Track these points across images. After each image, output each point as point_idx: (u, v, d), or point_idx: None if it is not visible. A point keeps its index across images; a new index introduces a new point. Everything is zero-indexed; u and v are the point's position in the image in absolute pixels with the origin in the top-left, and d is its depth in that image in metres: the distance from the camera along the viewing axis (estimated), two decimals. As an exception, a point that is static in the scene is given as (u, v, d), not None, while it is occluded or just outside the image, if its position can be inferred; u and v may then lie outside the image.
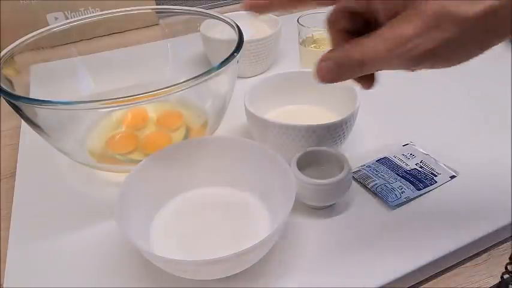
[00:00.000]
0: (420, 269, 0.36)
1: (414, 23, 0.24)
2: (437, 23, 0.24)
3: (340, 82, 0.29)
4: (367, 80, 0.31)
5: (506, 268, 0.34)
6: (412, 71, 0.27)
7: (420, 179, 0.44)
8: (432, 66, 0.26)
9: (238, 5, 0.98)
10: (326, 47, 0.59)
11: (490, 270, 0.38)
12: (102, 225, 0.41)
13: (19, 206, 0.45)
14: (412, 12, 0.24)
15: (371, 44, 0.26)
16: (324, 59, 0.28)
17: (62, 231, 0.41)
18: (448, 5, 0.23)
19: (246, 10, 0.31)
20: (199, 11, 0.54)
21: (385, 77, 0.32)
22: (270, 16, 0.68)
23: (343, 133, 0.44)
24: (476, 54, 0.26)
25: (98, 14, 0.55)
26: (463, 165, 0.45)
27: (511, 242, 0.36)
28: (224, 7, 0.97)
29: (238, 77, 0.52)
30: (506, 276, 0.34)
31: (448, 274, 0.38)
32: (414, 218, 0.40)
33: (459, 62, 0.26)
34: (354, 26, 0.30)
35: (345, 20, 0.30)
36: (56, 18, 0.80)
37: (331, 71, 0.28)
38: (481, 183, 0.44)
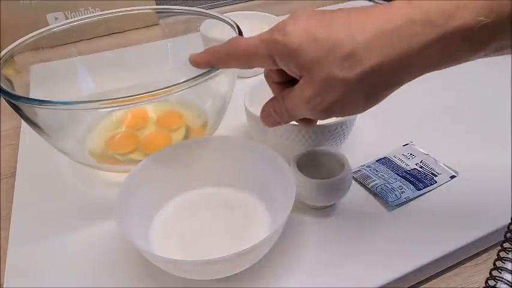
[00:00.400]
0: (420, 269, 0.36)
1: (310, 88, 0.29)
2: (326, 86, 0.28)
3: None
4: (308, 121, 0.36)
5: (490, 273, 0.35)
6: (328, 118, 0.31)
7: (420, 179, 0.44)
8: (341, 115, 0.31)
9: (239, 5, 0.98)
10: None
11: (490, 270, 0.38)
12: (102, 225, 0.41)
13: (19, 206, 0.45)
14: (308, 79, 0.29)
15: (291, 100, 0.31)
16: (265, 109, 0.35)
17: (61, 231, 0.41)
18: (332, 71, 0.27)
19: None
20: (199, 11, 0.54)
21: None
22: (269, 16, 0.68)
23: (343, 133, 0.44)
24: (370, 105, 0.30)
25: (98, 14, 0.55)
26: (463, 165, 0.45)
27: (499, 245, 0.36)
28: (224, 7, 0.97)
29: (238, 77, 0.52)
30: (490, 281, 0.34)
31: (448, 274, 0.38)
32: (414, 218, 0.40)
33: (358, 112, 0.31)
34: (283, 78, 0.33)
35: (276, 75, 0.34)
36: (56, 18, 0.80)
37: (272, 119, 0.34)
38: (481, 183, 0.44)
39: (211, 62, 0.34)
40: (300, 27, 0.28)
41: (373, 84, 0.28)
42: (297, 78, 0.30)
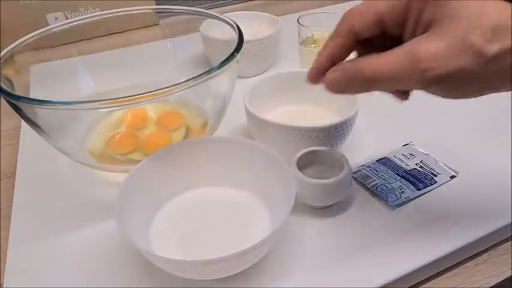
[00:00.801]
0: (420, 269, 0.36)
1: (436, 43, 0.24)
2: (459, 49, 0.24)
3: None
4: (402, 93, 0.30)
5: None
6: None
7: (420, 179, 0.44)
8: (444, 94, 0.26)
9: (239, 5, 0.98)
10: None
11: (490, 270, 0.38)
12: (102, 225, 0.41)
13: (19, 206, 0.45)
14: (437, 31, 0.24)
15: (383, 62, 0.25)
16: (335, 69, 0.28)
17: (61, 231, 0.41)
18: (472, 36, 0.23)
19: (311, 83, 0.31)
20: (199, 11, 0.54)
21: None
22: (269, 16, 0.68)
23: (343, 134, 0.44)
24: (487, 92, 0.26)
25: (98, 14, 0.55)
26: (463, 166, 0.45)
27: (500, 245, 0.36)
28: (224, 7, 0.97)
29: (238, 77, 0.52)
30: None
31: (448, 274, 0.38)
32: (414, 218, 0.40)
33: (470, 96, 0.26)
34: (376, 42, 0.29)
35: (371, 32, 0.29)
36: (56, 18, 0.80)
37: (339, 84, 0.28)
38: (481, 183, 0.44)
39: (329, 55, 0.29)
40: None
41: (503, 67, 0.24)
42: (411, 29, 0.26)
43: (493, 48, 0.23)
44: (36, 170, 0.50)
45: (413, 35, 0.26)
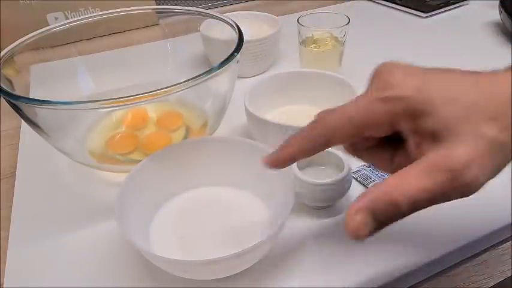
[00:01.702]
0: (420, 269, 0.36)
1: (463, 150, 0.22)
2: (488, 149, 0.23)
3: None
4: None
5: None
6: None
7: (420, 179, 0.44)
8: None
9: (239, 5, 0.98)
10: (326, 47, 0.59)
11: (490, 270, 0.38)
12: (102, 225, 0.41)
13: (19, 206, 0.45)
14: (452, 138, 0.23)
15: (415, 185, 0.23)
16: (357, 209, 0.23)
17: (62, 231, 0.41)
18: (485, 130, 0.22)
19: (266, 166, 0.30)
20: (200, 11, 0.54)
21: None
22: (269, 16, 0.68)
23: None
24: None
25: (98, 14, 0.55)
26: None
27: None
28: (224, 7, 0.97)
29: (238, 77, 0.52)
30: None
31: (448, 274, 0.38)
32: (414, 218, 0.40)
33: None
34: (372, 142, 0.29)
35: (366, 142, 0.29)
36: (56, 18, 0.80)
37: (368, 228, 0.23)
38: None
39: (296, 154, 0.29)
40: (417, 81, 0.25)
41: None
42: (414, 141, 0.25)
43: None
44: (36, 170, 0.50)
45: (418, 146, 0.25)
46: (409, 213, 0.24)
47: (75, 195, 0.45)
